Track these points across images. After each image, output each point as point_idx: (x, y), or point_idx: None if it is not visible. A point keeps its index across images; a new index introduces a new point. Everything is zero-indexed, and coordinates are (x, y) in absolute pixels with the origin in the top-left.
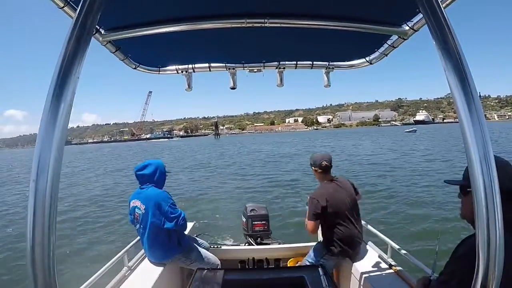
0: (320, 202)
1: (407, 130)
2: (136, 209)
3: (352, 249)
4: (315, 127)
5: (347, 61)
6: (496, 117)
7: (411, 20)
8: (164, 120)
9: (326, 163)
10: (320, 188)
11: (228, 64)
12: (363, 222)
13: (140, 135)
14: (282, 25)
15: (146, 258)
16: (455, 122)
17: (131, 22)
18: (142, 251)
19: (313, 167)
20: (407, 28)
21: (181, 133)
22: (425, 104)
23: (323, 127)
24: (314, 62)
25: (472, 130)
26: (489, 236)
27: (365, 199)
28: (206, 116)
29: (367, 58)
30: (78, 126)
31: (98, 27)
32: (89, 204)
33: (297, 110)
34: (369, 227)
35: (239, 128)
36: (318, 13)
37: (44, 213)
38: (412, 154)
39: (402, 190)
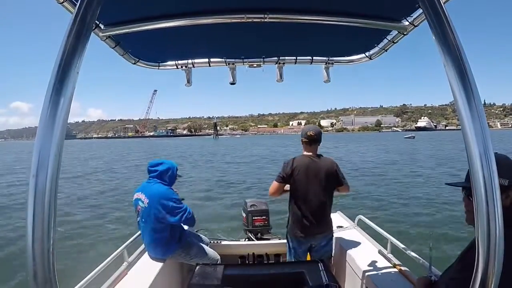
0: (288, 167)
1: (406, 136)
2: (139, 202)
3: (309, 233)
4: None
5: (347, 56)
6: (499, 125)
7: (411, 15)
8: (169, 118)
9: (311, 133)
10: (297, 157)
11: (228, 59)
12: (362, 217)
13: (143, 132)
14: (281, 20)
15: (146, 254)
16: (457, 129)
17: (130, 17)
18: (142, 246)
19: (301, 137)
20: (406, 23)
21: (185, 131)
22: (430, 111)
23: (325, 130)
24: (314, 58)
25: (472, 126)
26: (489, 232)
27: (363, 197)
28: (211, 116)
29: (367, 54)
30: (83, 121)
31: (98, 22)
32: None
33: (301, 113)
34: (369, 222)
35: (242, 129)
36: (318, 8)
37: (44, 209)
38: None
39: (396, 188)
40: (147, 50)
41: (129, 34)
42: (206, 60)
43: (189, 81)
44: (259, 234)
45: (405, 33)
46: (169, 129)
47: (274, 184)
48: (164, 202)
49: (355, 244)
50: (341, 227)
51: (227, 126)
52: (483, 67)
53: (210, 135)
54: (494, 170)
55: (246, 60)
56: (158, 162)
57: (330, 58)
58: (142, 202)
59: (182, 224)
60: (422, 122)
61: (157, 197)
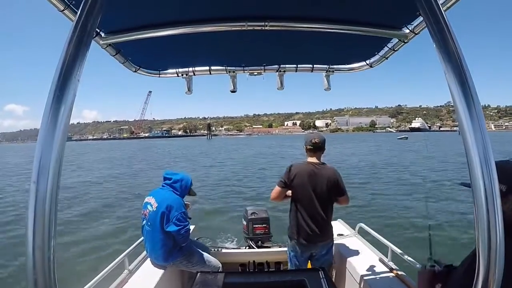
0: (290, 172)
1: (399, 137)
2: (148, 206)
3: (310, 241)
4: (311, 131)
5: (347, 64)
6: (493, 127)
7: (412, 23)
8: (164, 119)
9: (316, 140)
10: (299, 163)
11: (228, 67)
12: (363, 225)
13: (139, 133)
14: (282, 28)
15: (147, 262)
16: (451, 130)
17: (131, 25)
18: (143, 254)
19: (304, 145)
20: (407, 31)
21: (180, 132)
22: (424, 112)
23: (319, 131)
24: (314, 66)
25: (473, 133)
26: (490, 238)
27: (364, 204)
28: (206, 117)
29: (368, 61)
30: (78, 123)
31: (98, 30)
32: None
33: (297, 113)
34: (369, 230)
35: (237, 130)
36: (318, 16)
37: (45, 216)
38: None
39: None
40: (148, 58)
41: (129, 42)
42: (207, 68)
43: (189, 89)
44: (259, 242)
45: (405, 41)
46: (164, 130)
47: (276, 189)
48: (172, 208)
49: (356, 252)
50: (342, 235)
51: (222, 126)
52: (481, 70)
53: (204, 135)
54: (495, 178)
55: (246, 68)
56: (174, 172)
57: (331, 66)
58: (151, 206)
59: (175, 235)
60: (416, 123)
61: (167, 202)
